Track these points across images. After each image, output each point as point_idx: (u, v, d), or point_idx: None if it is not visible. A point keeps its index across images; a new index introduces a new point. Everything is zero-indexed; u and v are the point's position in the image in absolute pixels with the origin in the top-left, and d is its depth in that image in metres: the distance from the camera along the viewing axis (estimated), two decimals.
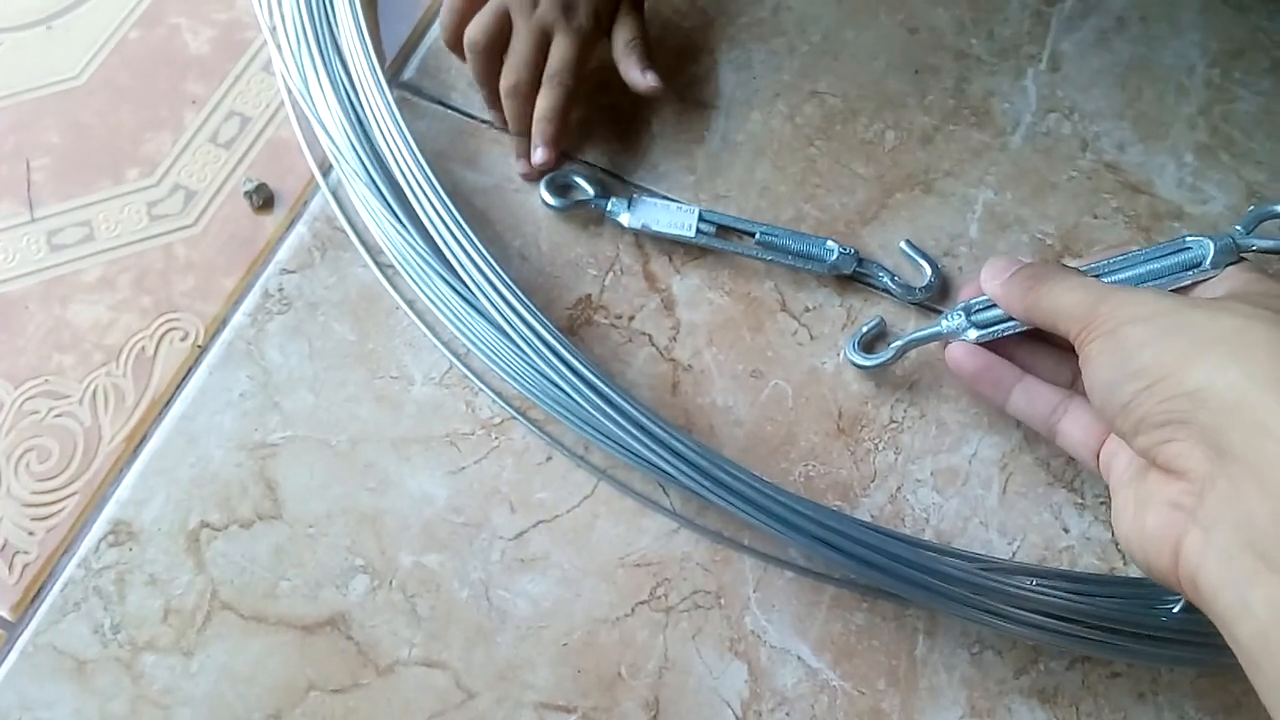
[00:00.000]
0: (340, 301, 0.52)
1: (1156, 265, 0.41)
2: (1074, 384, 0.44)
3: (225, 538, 0.47)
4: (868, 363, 0.47)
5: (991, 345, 0.44)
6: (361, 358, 0.51)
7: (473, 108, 0.57)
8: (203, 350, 0.51)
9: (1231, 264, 0.41)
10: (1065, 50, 0.59)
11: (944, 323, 0.45)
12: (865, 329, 0.47)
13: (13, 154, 0.55)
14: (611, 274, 0.53)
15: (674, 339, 0.52)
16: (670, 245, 0.54)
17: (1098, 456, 0.40)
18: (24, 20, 0.59)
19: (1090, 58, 0.59)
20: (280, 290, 0.52)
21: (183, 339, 0.51)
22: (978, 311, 0.44)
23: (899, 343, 0.46)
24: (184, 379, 0.50)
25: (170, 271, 0.52)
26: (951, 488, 0.49)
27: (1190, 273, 0.41)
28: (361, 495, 0.48)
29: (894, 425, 0.50)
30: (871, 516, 0.48)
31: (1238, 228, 0.42)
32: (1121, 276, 0.42)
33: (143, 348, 0.51)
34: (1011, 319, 0.43)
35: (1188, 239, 0.41)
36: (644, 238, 0.54)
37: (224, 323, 0.51)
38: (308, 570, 0.47)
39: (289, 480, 0.48)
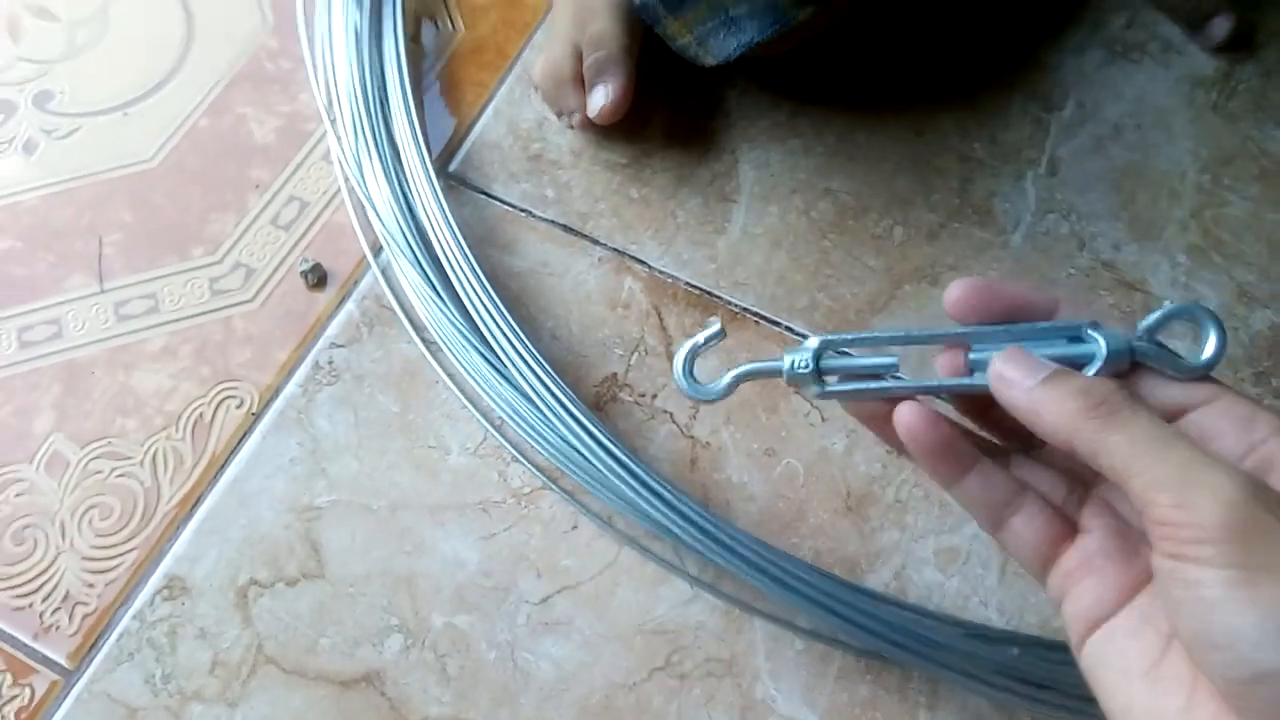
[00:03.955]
0: (385, 374, 0.56)
1: (1042, 351, 0.32)
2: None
3: (271, 595, 0.51)
4: (696, 393, 0.36)
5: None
6: (403, 428, 0.55)
7: (513, 197, 0.62)
8: (257, 417, 0.55)
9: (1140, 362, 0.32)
10: (1063, 155, 0.63)
11: (787, 359, 0.34)
12: (702, 341, 0.36)
13: (87, 230, 0.60)
14: (636, 354, 0.57)
15: (694, 417, 0.55)
16: (692, 328, 0.58)
17: (1046, 567, 0.33)
18: (103, 106, 0.64)
19: (1087, 162, 0.63)
20: (330, 363, 0.56)
21: (239, 406, 0.55)
22: (833, 356, 0.34)
23: (731, 375, 0.35)
24: (239, 444, 0.54)
25: (229, 343, 0.57)
26: (953, 566, 0.51)
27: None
28: (399, 558, 0.51)
29: (899, 505, 0.53)
30: None
31: (1143, 326, 0.33)
32: (993, 352, 0.32)
33: (201, 414, 0.55)
34: (878, 380, 0.34)
35: (1087, 328, 0.33)
36: (667, 318, 0.58)
37: (277, 392, 0.55)
38: (346, 628, 0.50)
39: (332, 542, 0.52)
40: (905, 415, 0.33)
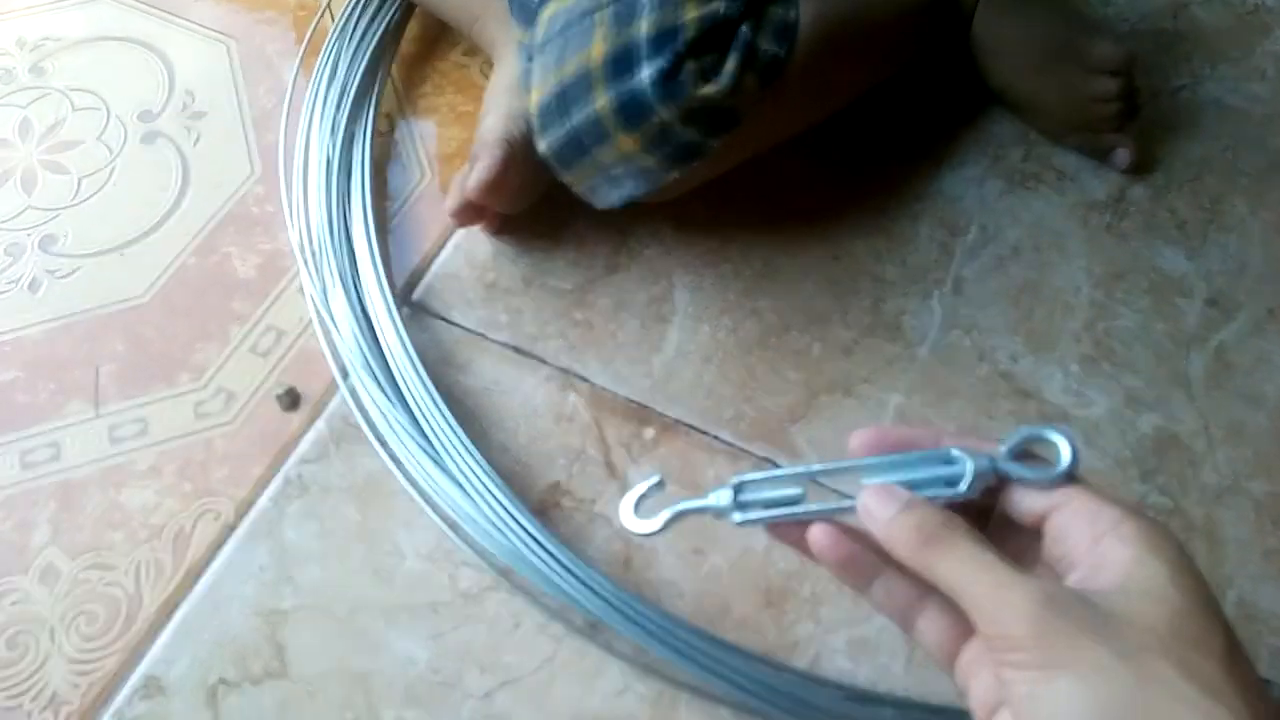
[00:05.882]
0: (349, 488, 0.62)
1: (916, 475, 0.38)
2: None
3: (239, 693, 0.55)
4: (642, 530, 0.41)
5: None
6: (363, 536, 0.60)
7: (470, 322, 0.68)
8: (231, 529, 0.60)
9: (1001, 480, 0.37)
10: (967, 275, 0.69)
11: (712, 497, 0.40)
12: (647, 490, 0.42)
13: (85, 361, 0.67)
14: (578, 463, 0.63)
15: None
16: (629, 438, 0.63)
17: (953, 660, 0.37)
18: (102, 248, 0.72)
19: (988, 281, 0.69)
20: (300, 478, 0.62)
21: (215, 519, 0.61)
22: (750, 491, 0.40)
23: (669, 513, 0.41)
24: (214, 554, 0.59)
25: (209, 462, 0.63)
26: (863, 656, 0.56)
27: (948, 490, 0.37)
28: (356, 657, 0.56)
29: (814, 599, 0.58)
30: None
31: (1002, 449, 0.37)
32: (874, 480, 0.38)
33: (182, 527, 0.60)
34: (783, 507, 0.40)
35: (953, 451, 0.37)
36: (606, 430, 0.64)
37: (251, 505, 0.61)
38: None
39: (295, 642, 0.57)
40: (815, 534, 0.38)
